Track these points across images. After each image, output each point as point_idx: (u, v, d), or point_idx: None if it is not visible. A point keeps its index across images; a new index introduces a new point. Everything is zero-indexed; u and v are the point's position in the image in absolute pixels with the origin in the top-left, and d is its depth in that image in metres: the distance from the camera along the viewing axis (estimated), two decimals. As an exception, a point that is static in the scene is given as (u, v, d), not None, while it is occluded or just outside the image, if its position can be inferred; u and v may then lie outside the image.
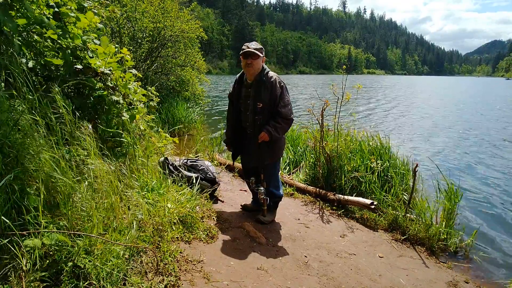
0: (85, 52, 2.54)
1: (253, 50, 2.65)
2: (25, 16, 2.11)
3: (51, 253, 1.60)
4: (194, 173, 3.31)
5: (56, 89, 2.10)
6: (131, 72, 2.91)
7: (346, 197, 3.43)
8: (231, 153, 3.18)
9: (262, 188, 2.88)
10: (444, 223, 3.03)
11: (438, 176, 3.67)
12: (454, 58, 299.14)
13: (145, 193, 2.45)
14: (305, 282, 2.19)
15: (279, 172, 3.18)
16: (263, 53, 2.75)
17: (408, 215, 3.12)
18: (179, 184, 2.98)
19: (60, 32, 2.29)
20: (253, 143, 2.79)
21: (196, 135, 7.20)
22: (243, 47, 2.72)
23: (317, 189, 3.70)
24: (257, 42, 2.81)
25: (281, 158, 3.08)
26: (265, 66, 2.81)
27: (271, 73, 2.77)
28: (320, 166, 3.84)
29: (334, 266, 2.43)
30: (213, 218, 2.91)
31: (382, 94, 24.93)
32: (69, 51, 2.43)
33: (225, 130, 3.18)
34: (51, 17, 2.34)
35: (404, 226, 3.04)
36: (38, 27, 2.25)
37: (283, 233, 2.85)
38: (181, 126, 7.10)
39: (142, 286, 1.74)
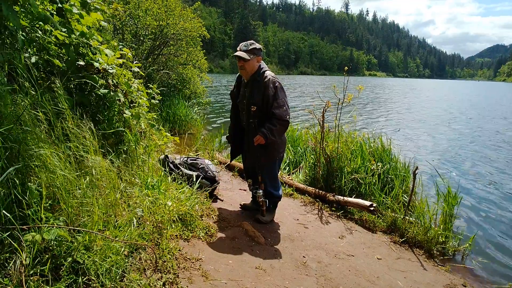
0: (88, 49, 2.54)
1: (241, 55, 2.61)
2: (29, 11, 2.11)
3: (50, 248, 1.61)
4: (194, 171, 3.32)
5: (58, 84, 2.10)
6: (131, 71, 2.92)
7: (345, 198, 3.44)
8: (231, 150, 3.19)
9: (260, 191, 2.88)
10: (443, 226, 3.03)
11: (438, 179, 3.68)
12: (456, 61, 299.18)
13: (146, 191, 2.46)
14: (303, 283, 2.20)
15: (279, 173, 3.18)
16: (259, 53, 2.69)
17: (407, 217, 3.12)
18: (179, 182, 2.98)
19: (64, 30, 2.29)
20: (250, 144, 2.79)
21: (196, 133, 7.21)
22: (238, 48, 2.69)
23: (317, 190, 3.70)
24: (253, 41, 2.73)
25: (281, 158, 3.06)
26: (263, 65, 2.76)
27: (267, 73, 2.71)
28: (320, 167, 3.84)
29: (332, 267, 2.44)
30: (212, 217, 2.91)
31: (386, 96, 24.95)
32: (72, 47, 2.44)
33: (227, 129, 3.19)
34: (55, 13, 2.34)
35: (403, 228, 3.04)
36: (41, 23, 2.25)
37: (282, 233, 2.85)
38: (182, 123, 7.11)
39: (141, 283, 1.75)
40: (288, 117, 2.67)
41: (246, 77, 2.76)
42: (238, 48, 2.69)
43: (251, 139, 2.73)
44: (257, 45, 2.71)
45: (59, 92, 2.08)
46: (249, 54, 2.64)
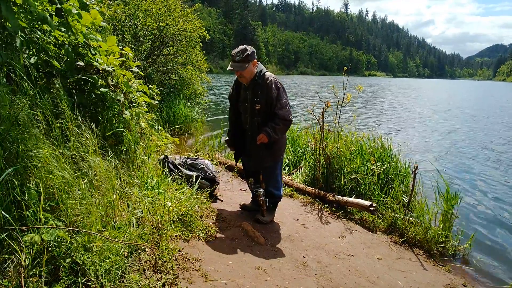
0: (87, 49, 2.54)
1: (235, 68, 2.59)
2: (28, 12, 2.11)
3: (49, 249, 1.60)
4: (194, 171, 3.31)
5: (57, 85, 2.10)
6: (131, 71, 2.91)
7: (345, 198, 3.43)
8: (233, 153, 3.18)
9: (261, 189, 2.88)
10: (442, 226, 3.03)
11: (438, 179, 3.67)
12: (455, 61, 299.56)
13: (145, 191, 2.45)
14: (303, 283, 2.19)
15: (281, 173, 3.17)
16: (253, 57, 2.64)
17: (407, 217, 3.12)
18: (179, 183, 2.98)
19: (63, 30, 2.29)
20: (253, 145, 2.79)
21: (196, 134, 7.21)
22: (231, 56, 2.65)
23: (317, 190, 3.70)
24: (245, 47, 2.64)
25: (282, 158, 3.06)
26: (261, 67, 2.75)
27: (267, 74, 2.71)
28: (319, 167, 3.84)
29: (332, 267, 2.43)
30: (212, 217, 2.91)
31: (385, 96, 24.97)
32: (71, 47, 2.43)
33: (227, 130, 3.18)
34: (54, 13, 2.34)
35: (403, 228, 3.04)
36: (40, 23, 2.24)
37: (282, 233, 2.85)
38: (182, 126, 7.10)
39: (140, 283, 1.74)
40: (291, 116, 2.71)
41: (246, 83, 2.76)
42: (231, 58, 2.65)
43: (254, 139, 2.73)
44: (249, 50, 2.64)
45: (58, 92, 2.07)
46: (244, 63, 2.60)
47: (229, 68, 2.65)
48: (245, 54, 2.60)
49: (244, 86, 2.80)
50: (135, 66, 3.09)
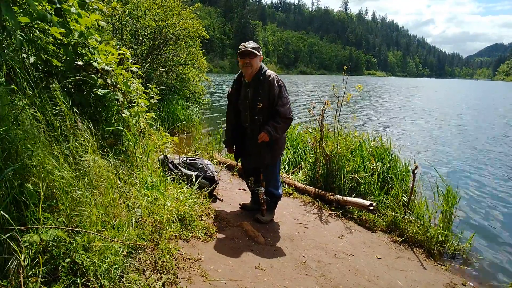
0: (86, 49, 2.54)
1: (250, 49, 2.65)
2: (28, 12, 2.10)
3: (49, 249, 1.60)
4: (193, 171, 3.31)
5: (56, 85, 2.10)
6: (131, 71, 2.91)
7: (345, 198, 3.43)
8: (233, 153, 3.17)
9: (262, 188, 2.88)
10: (442, 225, 3.03)
11: (438, 179, 3.68)
12: (455, 61, 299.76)
13: (144, 191, 2.45)
14: (303, 282, 2.19)
15: (279, 172, 3.18)
16: (260, 52, 2.75)
17: (407, 216, 3.12)
18: (178, 182, 2.98)
19: (64, 30, 2.29)
20: (253, 144, 2.79)
21: (195, 133, 7.21)
22: (240, 46, 2.72)
23: (316, 190, 3.70)
24: (253, 41, 2.80)
25: (281, 157, 3.07)
26: (263, 65, 2.80)
27: (269, 72, 2.76)
28: (319, 167, 3.84)
29: (332, 267, 2.43)
30: (212, 217, 2.91)
31: (384, 96, 24.97)
32: (71, 47, 2.43)
33: (224, 130, 3.17)
34: (53, 13, 2.33)
35: (402, 227, 3.04)
36: (40, 23, 2.24)
37: (281, 233, 2.85)
38: (181, 123, 7.10)
39: (140, 283, 1.74)
40: (291, 114, 2.74)
41: (249, 76, 2.76)
42: (242, 46, 2.70)
43: (255, 138, 2.73)
44: (259, 46, 2.78)
45: (56, 92, 2.07)
46: (256, 51, 2.69)
47: (243, 49, 2.65)
48: (256, 46, 2.74)
49: (245, 83, 2.81)
50: (134, 65, 3.09)
